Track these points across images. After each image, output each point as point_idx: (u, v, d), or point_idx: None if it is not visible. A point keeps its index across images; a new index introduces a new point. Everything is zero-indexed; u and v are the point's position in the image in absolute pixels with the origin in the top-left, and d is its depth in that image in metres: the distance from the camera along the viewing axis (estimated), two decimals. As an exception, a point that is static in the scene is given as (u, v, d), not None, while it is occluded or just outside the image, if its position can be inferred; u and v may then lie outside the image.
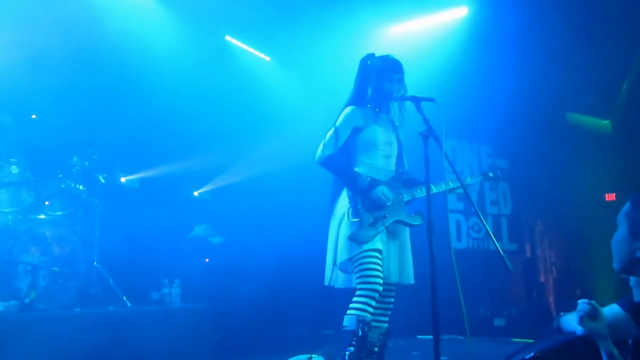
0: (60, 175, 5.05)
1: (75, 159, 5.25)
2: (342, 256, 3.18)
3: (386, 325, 3.38)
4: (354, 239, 3.12)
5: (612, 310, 2.13)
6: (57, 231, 4.80)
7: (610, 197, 7.85)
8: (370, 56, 3.54)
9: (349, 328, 3.12)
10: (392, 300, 3.41)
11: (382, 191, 3.23)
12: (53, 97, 6.02)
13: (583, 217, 7.80)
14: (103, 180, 5.36)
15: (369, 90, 3.46)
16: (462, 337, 5.87)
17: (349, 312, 3.15)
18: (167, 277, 5.47)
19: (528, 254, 8.32)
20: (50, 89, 6.09)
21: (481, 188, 7.96)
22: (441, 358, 2.94)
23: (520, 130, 7.78)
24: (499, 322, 6.79)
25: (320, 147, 3.31)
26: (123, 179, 6.22)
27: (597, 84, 7.54)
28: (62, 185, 5.02)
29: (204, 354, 5.10)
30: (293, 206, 6.83)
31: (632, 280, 1.86)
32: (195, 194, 7.33)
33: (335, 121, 3.38)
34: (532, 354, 1.84)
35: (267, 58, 8.11)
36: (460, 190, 3.39)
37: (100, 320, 4.46)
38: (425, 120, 3.19)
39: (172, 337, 4.86)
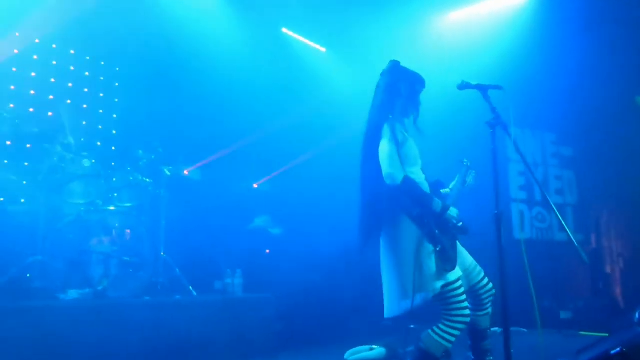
0: (129, 168, 5.24)
1: (141, 152, 5.42)
2: (432, 286, 2.97)
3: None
4: (445, 268, 2.98)
5: None
6: (126, 222, 4.98)
7: (681, 185, 7.46)
8: (397, 64, 3.36)
9: (431, 352, 3.01)
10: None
11: (453, 214, 3.14)
12: (119, 94, 6.26)
13: (652, 206, 7.45)
14: (168, 173, 5.51)
15: (403, 101, 3.27)
16: (525, 330, 5.73)
17: (436, 338, 3.02)
18: (229, 267, 5.58)
19: (594, 244, 8.03)
20: (115, 86, 6.34)
21: (545, 177, 7.72)
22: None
23: (586, 117, 7.48)
24: (565, 314, 6.59)
25: (388, 168, 3.00)
26: (186, 172, 6.37)
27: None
28: (130, 178, 5.19)
29: (266, 343, 5.17)
30: (352, 198, 6.82)
31: None
32: (255, 185, 7.43)
33: (389, 136, 3.08)
34: (619, 349, 1.76)
35: (323, 49, 8.10)
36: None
37: (168, 309, 4.60)
38: (493, 109, 3.12)
39: (234, 326, 4.97)
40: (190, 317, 4.67)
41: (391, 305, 3.09)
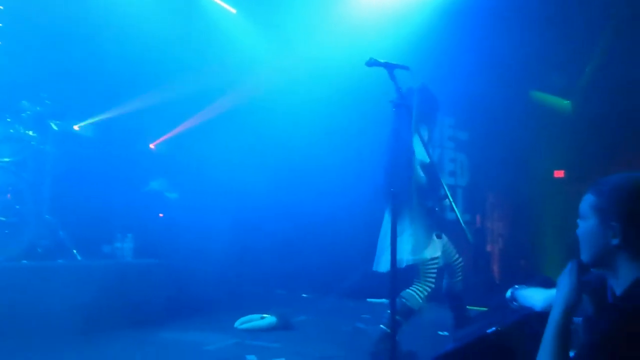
0: (9, 119, 4.80)
1: (25, 103, 4.99)
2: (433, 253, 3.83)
3: None
4: (439, 236, 3.90)
5: None
6: (4, 178, 4.59)
7: (558, 174, 8.06)
8: (425, 88, 4.06)
9: (409, 305, 3.73)
10: None
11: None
12: (3, 37, 5.67)
13: (532, 191, 8.01)
14: (55, 127, 5.13)
15: (431, 118, 4.07)
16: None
17: (415, 295, 3.76)
18: (120, 231, 5.35)
19: (478, 224, 8.53)
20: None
21: (441, 158, 8.04)
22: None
23: (484, 105, 7.84)
24: (449, 289, 6.95)
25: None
26: (76, 127, 5.96)
27: (563, 64, 7.63)
28: (11, 130, 4.78)
29: (154, 310, 5.04)
30: (251, 164, 6.76)
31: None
32: (152, 146, 7.12)
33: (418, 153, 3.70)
34: (494, 328, 1.87)
35: (233, 10, 7.86)
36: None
37: (49, 274, 4.34)
38: (398, 89, 3.16)
39: (122, 292, 4.79)
40: (74, 283, 4.44)
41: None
